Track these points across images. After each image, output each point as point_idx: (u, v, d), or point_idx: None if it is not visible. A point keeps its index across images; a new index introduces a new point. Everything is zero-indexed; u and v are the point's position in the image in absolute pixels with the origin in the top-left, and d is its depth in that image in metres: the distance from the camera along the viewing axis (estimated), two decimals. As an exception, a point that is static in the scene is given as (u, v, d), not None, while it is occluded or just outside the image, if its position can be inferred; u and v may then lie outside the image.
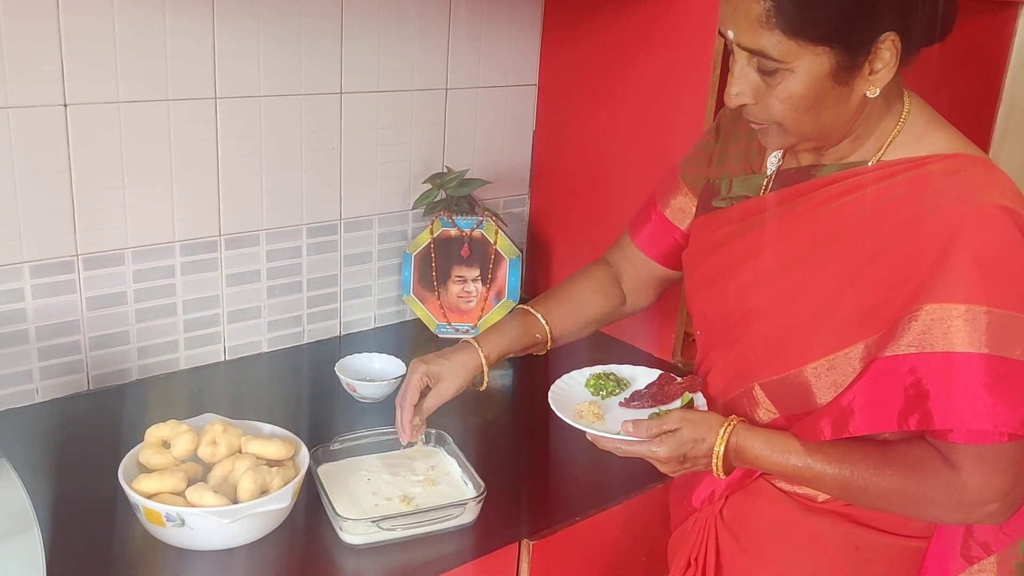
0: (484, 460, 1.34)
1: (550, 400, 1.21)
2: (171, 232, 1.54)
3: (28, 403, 1.46)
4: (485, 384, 1.31)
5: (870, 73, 1.02)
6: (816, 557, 1.15)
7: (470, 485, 1.27)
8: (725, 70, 1.83)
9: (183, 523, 1.11)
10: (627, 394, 1.27)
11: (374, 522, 1.16)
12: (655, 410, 1.20)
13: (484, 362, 1.28)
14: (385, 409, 1.52)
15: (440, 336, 1.83)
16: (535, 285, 1.99)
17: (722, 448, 1.09)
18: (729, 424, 1.10)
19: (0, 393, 1.44)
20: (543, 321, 1.34)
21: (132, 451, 1.21)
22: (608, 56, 1.77)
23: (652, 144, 1.72)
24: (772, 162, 1.19)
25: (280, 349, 1.72)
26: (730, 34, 1.03)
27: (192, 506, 1.12)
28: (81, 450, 1.35)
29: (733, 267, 1.17)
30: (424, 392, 1.28)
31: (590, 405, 1.21)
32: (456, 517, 1.20)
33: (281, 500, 1.13)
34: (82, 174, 1.43)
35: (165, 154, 1.50)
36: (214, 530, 1.11)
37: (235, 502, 1.14)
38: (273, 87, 1.57)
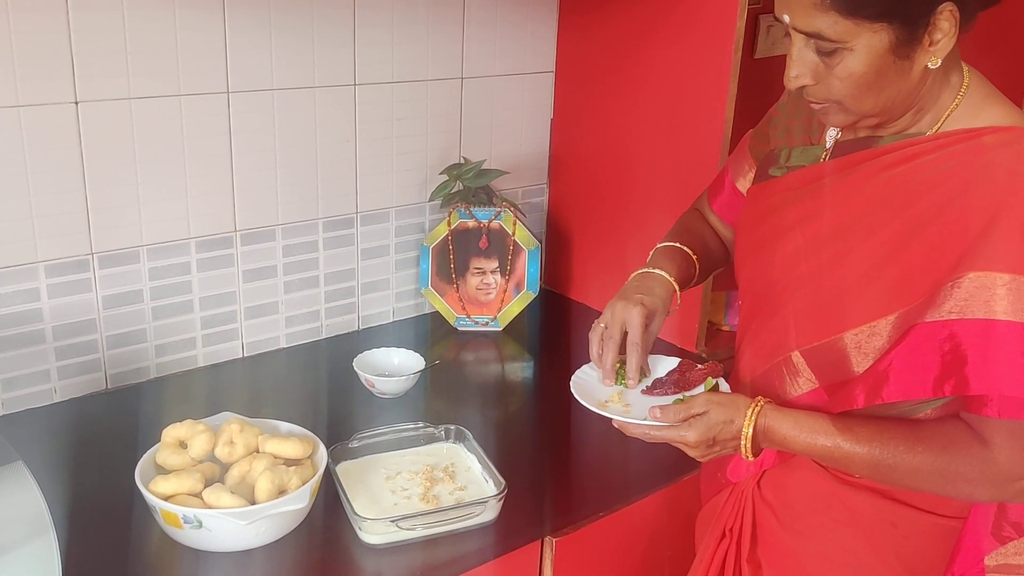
0: (504, 456, 1.32)
1: (573, 390, 1.18)
2: (186, 229, 1.52)
3: (46, 403, 1.45)
4: (678, 304, 1.26)
5: (930, 45, 1.00)
6: (854, 532, 1.13)
7: (491, 482, 1.25)
8: (747, 54, 1.79)
9: (200, 525, 1.09)
10: (648, 382, 1.24)
11: (393, 521, 1.14)
12: (679, 396, 1.18)
13: (675, 285, 1.25)
14: (404, 404, 1.50)
15: (459, 329, 1.80)
16: (554, 276, 1.96)
17: (750, 429, 1.07)
18: (756, 405, 1.08)
19: (18, 393, 1.43)
20: (693, 257, 1.30)
21: (149, 452, 1.20)
22: (627, 41, 1.73)
23: (672, 130, 1.69)
24: (831, 135, 1.17)
25: (298, 345, 1.71)
26: (785, 18, 1.02)
27: (209, 507, 1.11)
28: (99, 450, 1.34)
29: (782, 234, 1.15)
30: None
31: (614, 394, 1.19)
32: (477, 515, 1.18)
33: (299, 500, 1.12)
34: (95, 171, 1.41)
35: (178, 150, 1.48)
36: (232, 531, 1.10)
37: (253, 503, 1.13)
38: (286, 80, 1.55)
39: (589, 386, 1.21)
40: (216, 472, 1.20)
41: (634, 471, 1.32)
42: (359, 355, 1.55)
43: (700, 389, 1.18)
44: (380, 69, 1.65)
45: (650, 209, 1.76)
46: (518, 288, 1.80)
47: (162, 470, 1.19)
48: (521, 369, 1.69)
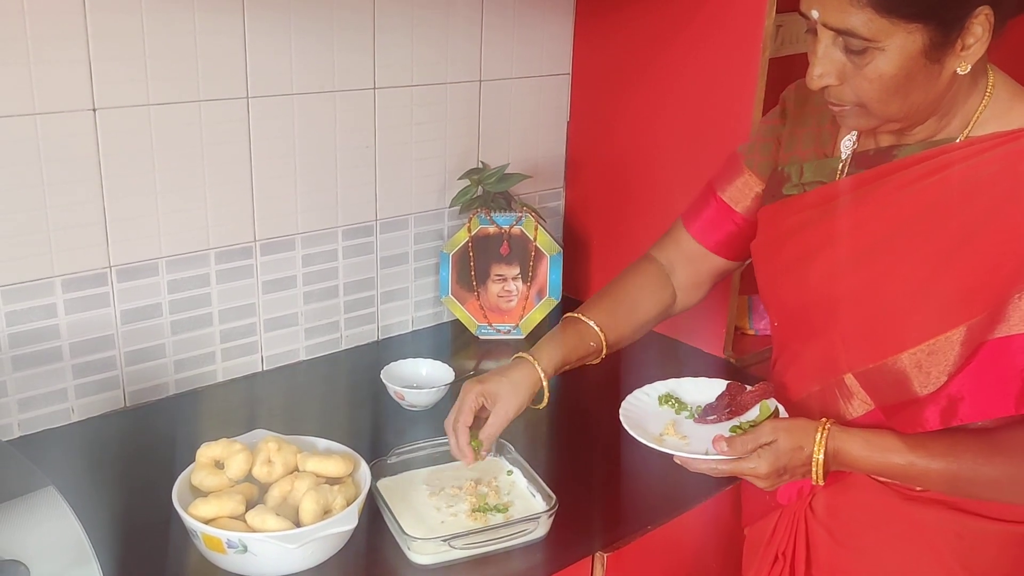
0: (545, 468, 1.28)
1: (624, 423, 1.15)
2: (205, 239, 1.47)
3: (64, 423, 1.40)
4: (545, 401, 1.23)
5: (962, 49, 0.97)
6: (918, 546, 1.11)
7: (538, 497, 1.21)
8: (777, 56, 1.75)
9: (245, 549, 1.04)
10: (689, 407, 1.21)
11: (445, 541, 1.10)
12: (734, 423, 1.15)
13: (543, 376, 1.21)
14: (435, 417, 1.46)
15: (481, 337, 1.76)
16: (572, 282, 1.92)
17: (821, 455, 1.04)
18: (824, 429, 1.05)
19: (35, 414, 1.37)
20: (597, 329, 1.27)
21: (184, 473, 1.15)
22: (644, 42, 1.71)
23: (693, 132, 1.66)
24: (847, 145, 1.14)
25: (318, 357, 1.66)
26: (814, 14, 0.98)
27: (254, 531, 1.06)
28: (123, 472, 1.29)
29: (812, 253, 1.12)
30: (481, 414, 1.20)
31: (667, 424, 1.17)
32: (529, 532, 1.14)
33: (347, 521, 1.07)
34: (113, 181, 1.36)
35: (198, 158, 1.43)
36: (278, 555, 1.05)
37: (297, 524, 1.08)
38: (306, 84, 1.51)
39: (640, 416, 1.19)
40: (255, 493, 1.15)
41: (680, 482, 1.28)
42: (386, 367, 1.51)
43: (755, 412, 1.16)
44: (399, 72, 1.61)
45: (669, 213, 1.71)
46: (540, 295, 1.77)
47: (198, 491, 1.14)
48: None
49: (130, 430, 1.41)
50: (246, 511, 1.09)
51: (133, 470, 1.29)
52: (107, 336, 1.41)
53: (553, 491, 1.19)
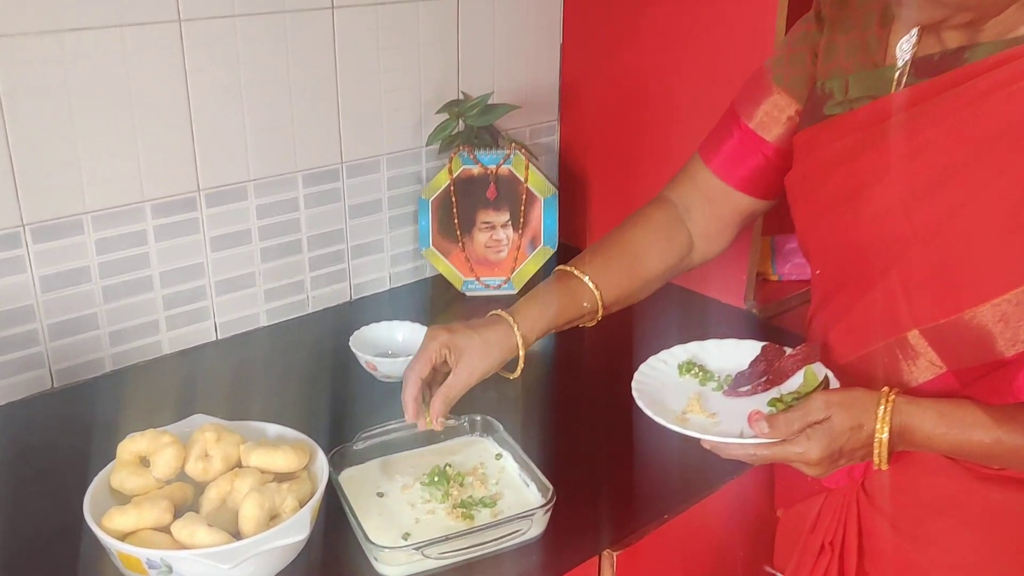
0: (540, 451, 1.08)
1: (638, 399, 0.95)
2: (138, 190, 1.26)
3: (-22, 410, 1.20)
4: (519, 370, 1.02)
5: None
6: (994, 534, 0.92)
7: (532, 486, 1.01)
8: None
9: (171, 571, 0.85)
10: (716, 377, 1.01)
11: (418, 549, 0.90)
12: (772, 395, 0.94)
13: (520, 343, 1.00)
14: (414, 390, 1.26)
15: (468, 294, 1.55)
16: (570, 228, 1.70)
17: (885, 433, 0.83)
18: (887, 401, 0.84)
19: (-58, 400, 1.17)
20: (592, 286, 1.05)
21: (101, 473, 0.95)
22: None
23: (706, 53, 1.43)
24: (904, 49, 0.92)
25: (282, 322, 1.45)
26: None
27: (182, 546, 0.86)
28: (43, 468, 1.09)
29: (865, 186, 0.90)
30: (442, 368, 1.00)
31: (692, 398, 0.96)
32: (522, 533, 0.94)
33: (297, 530, 0.87)
34: (19, 125, 1.14)
35: (123, 94, 1.21)
36: (212, 576, 0.85)
37: (237, 535, 0.88)
38: (249, 3, 1.28)
39: (657, 390, 0.98)
40: (189, 495, 0.95)
41: (696, 463, 1.08)
42: (356, 332, 1.30)
43: (796, 380, 0.95)
44: (361, -12, 1.37)
45: (683, 147, 1.49)
46: (533, 244, 1.55)
47: (120, 496, 0.94)
48: (546, 340, 1.44)
49: (56, 416, 1.20)
50: (174, 520, 0.89)
51: (53, 465, 1.09)
52: (25, 307, 1.20)
53: (551, 480, 0.99)
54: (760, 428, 0.85)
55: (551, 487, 0.97)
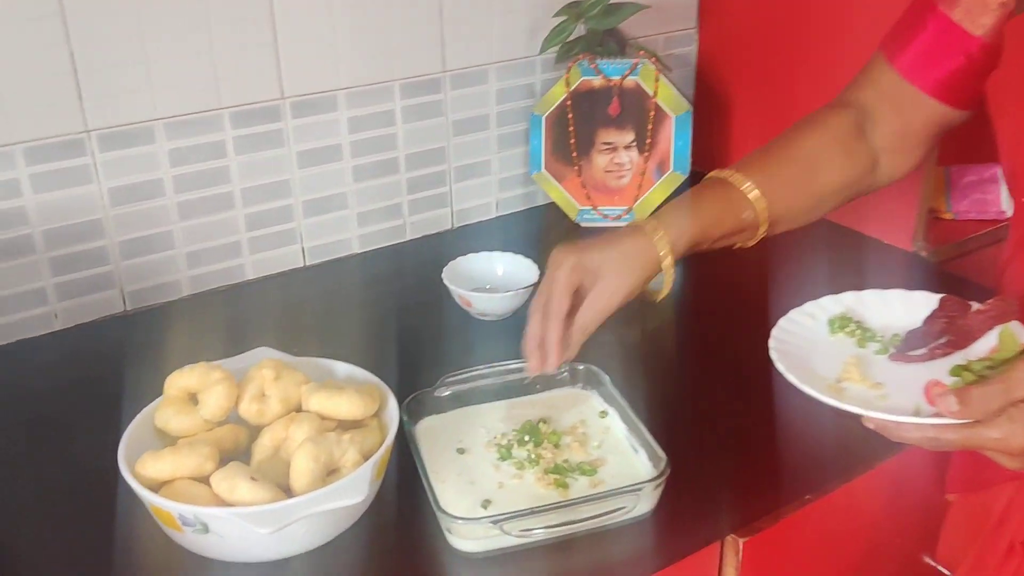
0: (655, 412, 0.90)
1: (778, 362, 0.75)
2: (215, 96, 1.13)
3: (45, 331, 1.11)
4: (666, 290, 0.86)
5: None
6: None
7: (643, 454, 0.84)
8: None
9: (206, 529, 0.72)
10: (880, 336, 0.80)
11: (497, 523, 0.74)
12: (955, 360, 0.73)
13: (668, 252, 0.82)
14: (512, 332, 1.09)
15: (583, 225, 1.37)
16: (704, 153, 1.48)
17: None
18: None
19: (8, 319, 1.08)
20: (757, 192, 0.85)
21: (145, 411, 0.83)
22: None
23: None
24: None
25: (375, 250, 1.31)
26: None
27: (221, 501, 0.73)
28: (102, 397, 0.99)
29: None
30: (575, 299, 0.82)
31: (849, 362, 0.76)
32: (626, 511, 0.77)
33: (353, 492, 0.73)
34: (81, 19, 1.02)
35: (195, -16, 1.08)
36: (251, 540, 0.72)
37: (288, 490, 0.75)
38: None
39: (802, 352, 0.78)
40: (242, 441, 0.83)
41: (848, 437, 0.88)
42: (450, 264, 1.14)
43: (986, 343, 0.74)
44: None
45: (845, 59, 1.27)
46: (660, 169, 1.35)
47: (166, 437, 0.82)
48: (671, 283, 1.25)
49: (125, 341, 1.10)
50: (219, 467, 0.76)
51: (113, 395, 0.98)
52: (93, 222, 1.10)
53: (665, 447, 0.81)
54: (946, 404, 0.64)
55: (665, 456, 0.79)
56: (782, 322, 0.82)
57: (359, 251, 1.30)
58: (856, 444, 0.87)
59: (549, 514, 0.75)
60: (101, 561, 0.77)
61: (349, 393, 0.82)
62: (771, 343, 0.78)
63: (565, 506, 0.76)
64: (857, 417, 0.70)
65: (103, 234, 1.11)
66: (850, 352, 0.80)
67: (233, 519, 0.70)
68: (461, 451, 0.85)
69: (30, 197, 1.05)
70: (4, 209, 1.04)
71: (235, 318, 1.15)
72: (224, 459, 0.79)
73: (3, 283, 1.07)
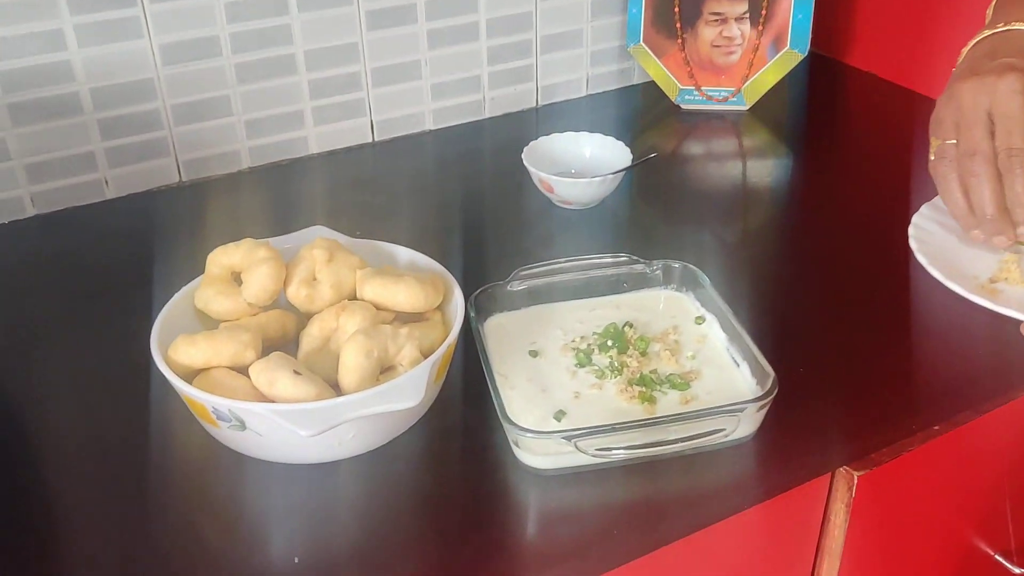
0: (759, 320, 0.78)
1: (918, 252, 0.62)
2: (276, -58, 1.01)
3: (96, 199, 1.03)
4: None
5: None
6: None
7: (745, 368, 0.72)
8: None
9: (243, 426, 0.64)
10: None
11: (571, 439, 0.63)
12: None
13: None
14: (598, 223, 0.98)
15: (683, 107, 1.23)
16: (826, 29, 1.31)
17: None
18: None
19: (53, 186, 1.01)
20: None
21: (184, 289, 0.74)
22: None
23: None
24: None
25: (451, 127, 1.19)
26: None
27: (261, 396, 0.64)
28: (153, 274, 0.91)
29: None
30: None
31: (1008, 259, 0.62)
32: (724, 433, 0.66)
33: (408, 393, 0.63)
34: None
35: None
36: (293, 441, 0.63)
37: (337, 388, 0.66)
38: None
39: (948, 245, 0.65)
40: (289, 328, 0.74)
41: (1001, 349, 0.74)
42: (531, 144, 1.02)
43: None
44: None
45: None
46: (776, 45, 1.19)
47: (207, 320, 0.74)
48: (780, 173, 1.11)
49: (178, 215, 1.02)
50: (256, 362, 0.67)
51: (169, 269, 0.91)
52: (144, 81, 1.01)
53: (771, 362, 0.69)
54: None
55: (772, 372, 0.67)
56: (925, 208, 0.68)
57: (432, 128, 1.19)
58: (1011, 360, 0.74)
59: (632, 432, 0.64)
60: (134, 450, 0.70)
61: (409, 281, 0.71)
62: (911, 231, 0.65)
63: (652, 424, 0.65)
64: (1016, 323, 0.57)
65: (155, 96, 1.01)
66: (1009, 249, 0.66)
67: (271, 416, 0.61)
68: (534, 354, 0.75)
69: (75, 51, 0.96)
70: (48, 63, 0.95)
71: (295, 195, 1.06)
72: (268, 348, 0.70)
73: (50, 144, 0.99)
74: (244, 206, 1.04)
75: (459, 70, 1.17)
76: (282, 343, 0.73)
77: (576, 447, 0.63)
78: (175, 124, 1.04)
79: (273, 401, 0.64)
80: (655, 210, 1.01)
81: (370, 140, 1.16)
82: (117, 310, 0.85)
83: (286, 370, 0.64)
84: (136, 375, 0.73)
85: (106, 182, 1.03)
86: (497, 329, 0.77)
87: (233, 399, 0.63)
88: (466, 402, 0.73)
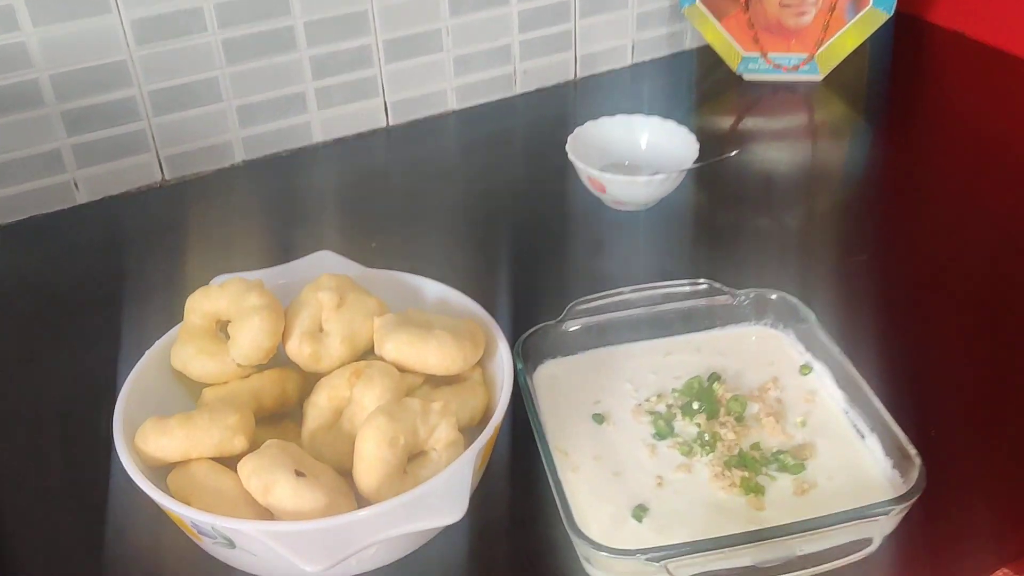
0: (885, 375, 0.61)
1: None
2: None
3: (64, 205, 0.88)
4: None
5: None
6: None
7: (873, 442, 0.56)
8: None
9: (231, 544, 0.49)
10: None
11: (658, 559, 0.48)
12: None
13: None
14: (662, 229, 0.81)
15: (746, 77, 1.05)
16: (910, -17, 1.13)
17: None
18: None
19: (18, 190, 0.85)
20: None
21: (157, 345, 0.59)
22: None
23: None
24: None
25: (476, 106, 1.03)
26: None
27: (249, 503, 0.49)
28: (128, 297, 0.76)
29: None
30: None
31: None
32: (859, 547, 0.50)
33: (446, 504, 0.48)
34: None
35: None
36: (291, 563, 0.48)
37: (350, 478, 0.51)
38: None
39: None
40: (290, 392, 0.58)
41: None
42: (575, 131, 0.85)
43: None
44: None
45: None
46: (856, 5, 1.01)
47: (187, 382, 0.59)
48: (871, 159, 0.94)
49: (165, 221, 0.86)
50: (249, 446, 0.52)
51: (148, 291, 0.75)
52: (113, 65, 0.84)
53: (909, 432, 0.53)
54: None
55: (917, 458, 0.52)
56: None
57: (456, 108, 1.02)
58: None
59: (742, 552, 0.49)
60: (94, 551, 0.55)
61: (441, 337, 0.56)
62: None
63: (770, 539, 0.49)
64: None
65: (128, 81, 0.85)
66: None
67: (267, 541, 0.46)
68: (599, 419, 0.59)
69: (30, 31, 0.79)
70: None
71: (298, 193, 0.90)
72: (264, 417, 0.55)
73: (7, 143, 0.83)
74: (238, 209, 0.88)
75: (485, 39, 1.00)
76: (282, 408, 0.58)
77: (668, 572, 0.48)
78: (154, 114, 0.88)
79: (269, 510, 0.49)
80: (726, 211, 0.84)
81: (384, 125, 0.99)
82: (85, 341, 0.70)
83: (285, 471, 0.49)
84: (101, 442, 0.58)
85: (75, 184, 0.87)
86: (550, 382, 0.62)
87: (217, 512, 0.48)
88: (514, 483, 0.57)
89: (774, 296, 0.64)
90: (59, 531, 0.57)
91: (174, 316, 0.60)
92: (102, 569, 0.54)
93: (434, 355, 0.55)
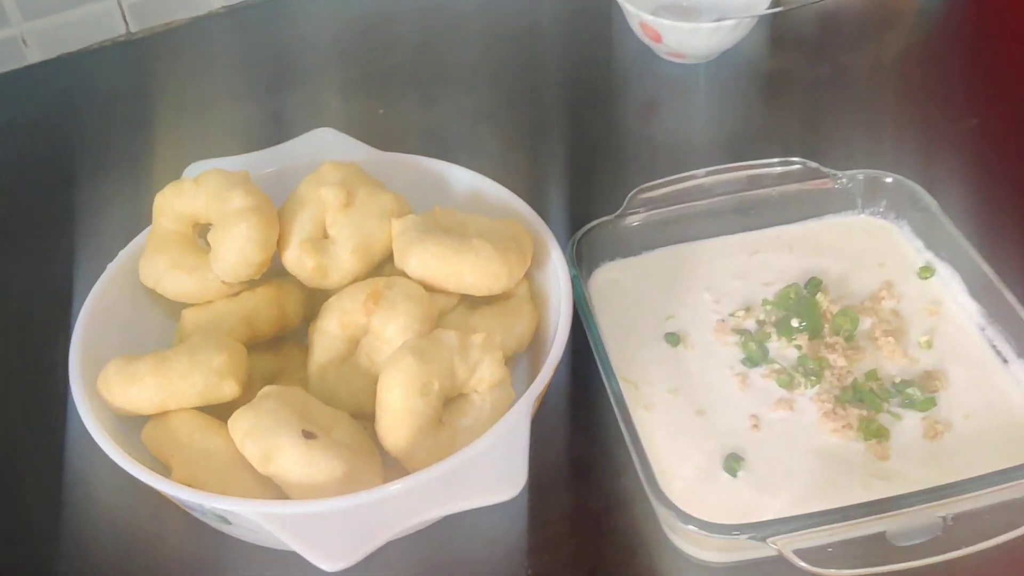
0: (1018, 266, 0.50)
1: None
2: None
3: (13, 65, 0.73)
4: None
5: None
6: None
7: (1018, 366, 0.45)
8: None
9: (225, 520, 0.39)
10: None
11: (762, 537, 0.38)
12: None
13: None
14: (727, 86, 0.67)
15: None
16: None
17: None
18: None
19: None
20: None
21: (123, 254, 0.47)
22: None
23: None
24: None
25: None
26: None
27: (244, 469, 0.39)
28: (88, 183, 0.63)
29: None
30: None
31: None
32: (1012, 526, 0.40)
33: (499, 475, 0.37)
34: None
35: None
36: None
37: (372, 427, 0.40)
38: None
39: None
40: (291, 313, 0.47)
41: None
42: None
43: None
44: None
45: None
46: None
47: (163, 301, 0.47)
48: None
49: (129, 82, 0.72)
50: (244, 389, 0.41)
51: (110, 175, 0.63)
52: None
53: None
54: None
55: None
56: None
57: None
58: None
59: (874, 522, 0.38)
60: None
61: (478, 247, 0.44)
62: None
63: (909, 507, 0.38)
64: None
65: (73, -91, 0.69)
66: None
67: (270, 528, 0.36)
68: (673, 340, 0.48)
69: None
70: None
71: (288, 46, 0.76)
72: (258, 345, 0.44)
73: (-69, -9, 0.68)
74: (217, 69, 0.74)
75: None
76: (282, 332, 0.47)
77: (781, 553, 0.38)
78: (109, -50, 0.72)
79: (272, 479, 0.38)
80: (805, 68, 0.70)
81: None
82: (33, 244, 0.58)
83: (289, 432, 0.38)
84: (59, 377, 0.47)
85: (23, 40, 0.73)
86: (610, 291, 0.50)
87: (206, 480, 0.38)
88: (572, 423, 0.47)
89: (890, 179, 0.52)
90: (15, 488, 0.47)
91: (142, 215, 0.48)
92: (64, 533, 0.44)
93: (472, 271, 0.43)
